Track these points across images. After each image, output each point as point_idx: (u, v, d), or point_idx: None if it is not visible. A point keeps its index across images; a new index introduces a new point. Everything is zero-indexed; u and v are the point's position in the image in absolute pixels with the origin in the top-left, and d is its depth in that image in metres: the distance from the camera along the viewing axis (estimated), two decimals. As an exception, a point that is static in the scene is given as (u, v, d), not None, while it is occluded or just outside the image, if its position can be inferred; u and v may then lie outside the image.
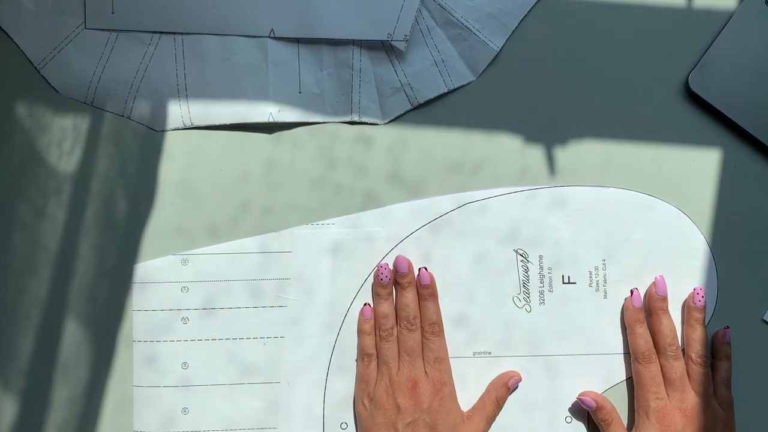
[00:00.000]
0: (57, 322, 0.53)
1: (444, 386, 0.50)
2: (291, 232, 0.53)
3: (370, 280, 0.53)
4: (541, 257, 0.53)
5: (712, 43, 0.54)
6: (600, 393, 0.53)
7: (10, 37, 0.53)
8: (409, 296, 0.51)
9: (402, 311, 0.51)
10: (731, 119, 0.53)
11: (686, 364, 0.51)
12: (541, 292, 0.53)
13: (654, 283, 0.52)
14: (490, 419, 0.52)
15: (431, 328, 0.51)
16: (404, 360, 0.51)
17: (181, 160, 0.54)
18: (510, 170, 0.54)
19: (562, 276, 0.53)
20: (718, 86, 0.53)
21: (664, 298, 0.52)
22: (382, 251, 0.53)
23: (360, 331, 0.52)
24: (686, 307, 0.53)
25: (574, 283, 0.53)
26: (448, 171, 0.54)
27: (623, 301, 0.53)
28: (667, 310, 0.52)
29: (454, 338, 0.53)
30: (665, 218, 0.54)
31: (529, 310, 0.53)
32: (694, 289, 0.52)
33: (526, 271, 0.53)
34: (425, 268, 0.52)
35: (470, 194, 0.54)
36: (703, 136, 0.54)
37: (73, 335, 0.53)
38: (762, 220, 0.54)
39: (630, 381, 0.53)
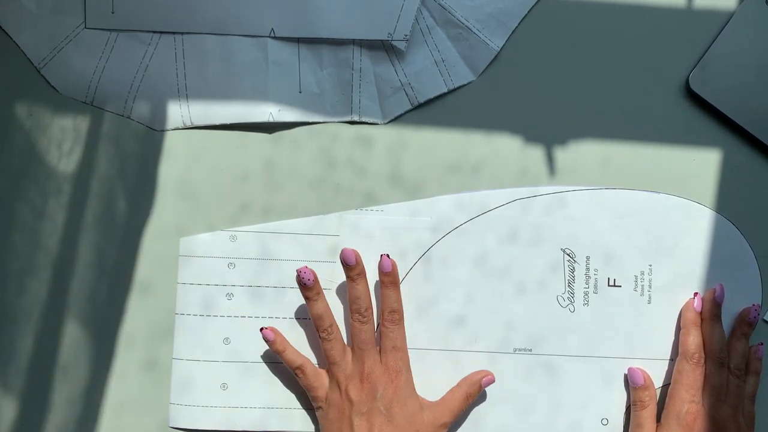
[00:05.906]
0: (57, 322, 0.53)
1: (400, 374, 0.49)
2: (339, 216, 0.53)
3: (417, 268, 0.53)
4: (588, 258, 0.53)
5: (712, 43, 0.54)
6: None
7: (10, 37, 0.53)
8: (360, 288, 0.50)
9: (353, 304, 0.50)
10: (731, 119, 0.53)
11: None
12: (586, 293, 0.53)
13: (714, 289, 0.52)
14: (456, 413, 0.51)
15: (391, 316, 0.50)
16: (356, 354, 0.50)
17: (181, 160, 0.54)
18: (510, 170, 0.54)
19: (608, 278, 0.53)
20: (718, 86, 0.53)
21: (720, 306, 0.52)
22: (429, 241, 0.53)
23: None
24: (738, 318, 0.52)
25: (620, 286, 0.53)
26: (448, 171, 0.54)
27: (671, 305, 0.53)
28: (720, 318, 0.51)
29: (498, 333, 0.53)
30: (714, 227, 0.53)
31: (572, 310, 0.53)
32: (753, 305, 0.52)
33: (572, 271, 0.53)
34: (387, 255, 0.50)
35: (520, 190, 0.53)
36: (703, 136, 0.54)
37: (73, 335, 0.53)
38: (762, 220, 0.54)
39: (665, 389, 0.52)
